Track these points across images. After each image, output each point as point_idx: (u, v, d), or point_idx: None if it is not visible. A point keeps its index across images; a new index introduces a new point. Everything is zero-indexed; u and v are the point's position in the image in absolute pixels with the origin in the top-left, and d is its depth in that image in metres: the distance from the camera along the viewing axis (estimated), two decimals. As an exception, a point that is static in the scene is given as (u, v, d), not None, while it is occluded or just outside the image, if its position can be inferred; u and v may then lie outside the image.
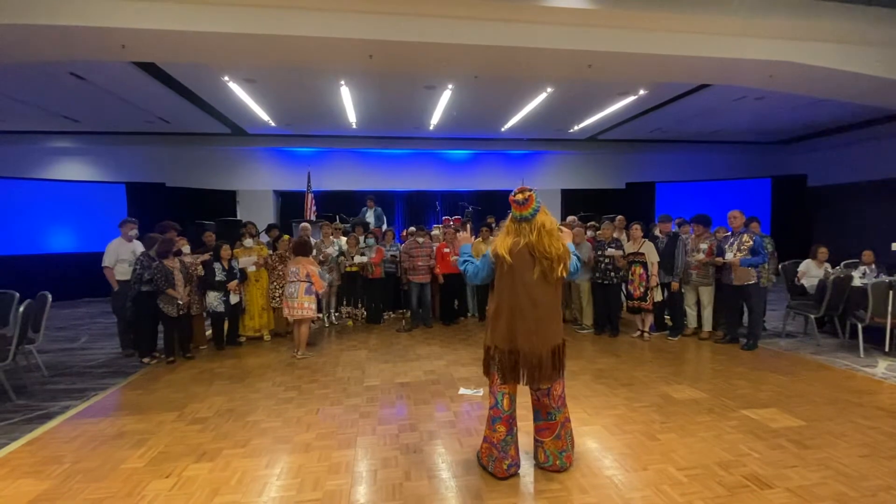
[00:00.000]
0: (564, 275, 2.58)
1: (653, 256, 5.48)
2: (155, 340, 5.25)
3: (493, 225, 7.48)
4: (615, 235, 6.02)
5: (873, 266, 5.85)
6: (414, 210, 12.34)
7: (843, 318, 5.43)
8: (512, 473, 2.67)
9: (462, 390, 4.06)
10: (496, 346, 2.62)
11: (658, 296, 5.59)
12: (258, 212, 10.79)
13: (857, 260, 6.17)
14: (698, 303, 5.68)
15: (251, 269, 5.74)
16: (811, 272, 5.91)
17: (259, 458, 2.97)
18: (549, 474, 2.71)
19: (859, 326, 4.98)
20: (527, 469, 2.78)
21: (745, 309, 5.38)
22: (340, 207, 10.46)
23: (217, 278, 5.31)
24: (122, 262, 5.25)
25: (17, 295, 4.85)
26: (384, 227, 8.54)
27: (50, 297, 4.71)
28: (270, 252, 6.13)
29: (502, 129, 10.57)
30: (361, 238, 6.87)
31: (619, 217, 6.64)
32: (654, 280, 5.48)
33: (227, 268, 5.41)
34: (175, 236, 5.40)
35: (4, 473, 2.84)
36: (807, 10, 5.41)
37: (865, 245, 6.28)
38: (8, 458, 3.04)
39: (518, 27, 5.14)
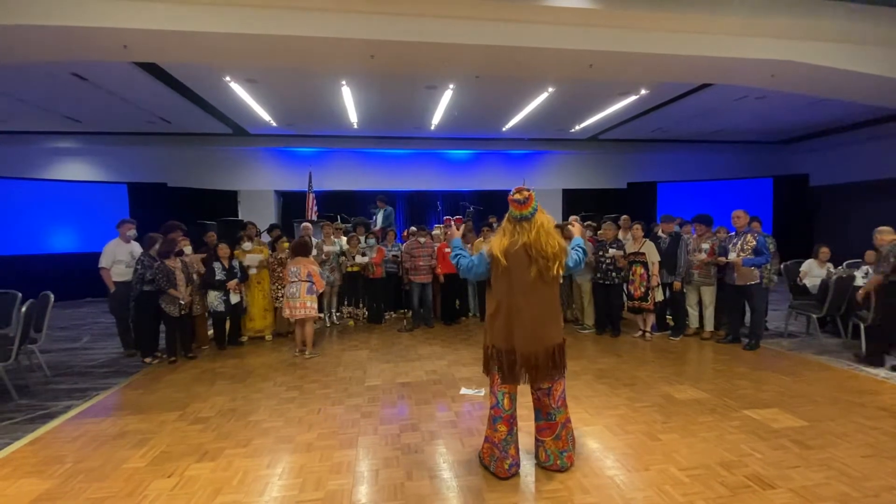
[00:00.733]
0: (560, 272, 2.59)
1: (653, 256, 5.47)
2: (157, 340, 5.25)
3: (495, 224, 7.47)
4: (620, 235, 6.01)
5: (875, 266, 5.83)
6: (415, 210, 12.34)
7: (846, 318, 5.42)
8: (513, 473, 2.67)
9: (463, 390, 4.06)
10: (495, 345, 2.63)
11: (659, 296, 5.58)
12: (259, 212, 10.80)
13: (860, 260, 6.15)
14: (700, 303, 5.67)
15: (253, 271, 5.74)
16: (813, 272, 5.90)
17: (261, 457, 2.97)
18: (550, 474, 2.71)
19: (861, 326, 4.96)
20: (528, 469, 2.78)
21: (748, 309, 5.36)
22: (342, 207, 10.46)
23: (217, 278, 5.32)
24: (118, 263, 5.25)
25: (20, 295, 4.86)
26: (392, 227, 8.54)
27: (52, 296, 4.72)
28: (270, 252, 6.13)
29: (503, 129, 10.57)
30: (362, 238, 6.88)
31: (624, 217, 6.62)
32: (655, 280, 5.47)
33: (226, 267, 5.41)
34: (180, 236, 5.41)
35: (7, 473, 2.84)
36: (808, 10, 5.40)
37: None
38: (10, 457, 3.05)
39: (519, 27, 5.14)
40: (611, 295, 5.81)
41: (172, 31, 4.68)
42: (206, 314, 5.58)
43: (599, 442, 3.10)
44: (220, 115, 9.05)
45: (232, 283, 5.39)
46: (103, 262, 5.25)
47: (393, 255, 6.82)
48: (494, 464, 2.67)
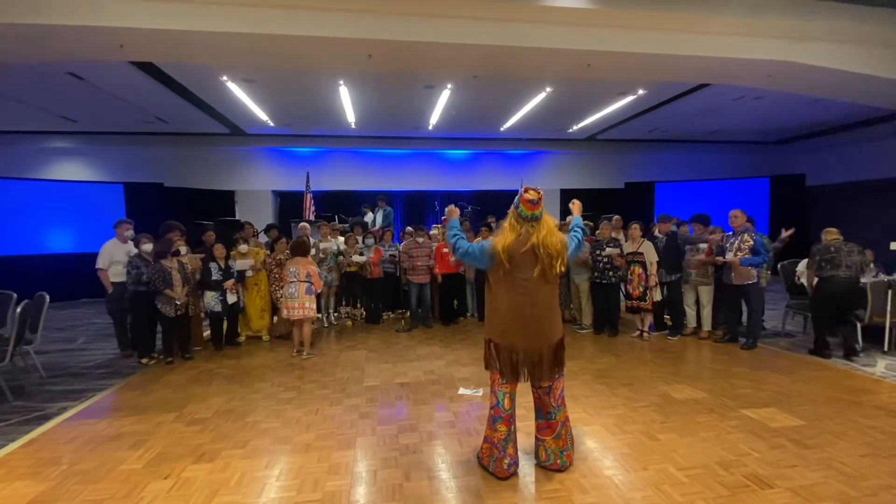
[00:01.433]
0: (562, 270, 2.60)
1: (652, 256, 5.48)
2: (153, 341, 5.23)
3: (493, 225, 7.46)
4: (613, 235, 6.01)
5: (872, 265, 5.86)
6: (413, 210, 12.32)
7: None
8: (511, 472, 2.67)
9: (462, 390, 4.05)
10: (495, 341, 2.63)
11: (657, 296, 5.59)
12: (257, 212, 10.76)
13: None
14: (698, 302, 5.68)
15: (249, 274, 5.72)
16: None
17: (258, 458, 2.95)
18: (549, 474, 2.70)
19: (858, 325, 4.98)
20: (527, 469, 2.77)
21: (745, 308, 5.37)
22: (339, 207, 10.44)
23: (213, 278, 5.30)
24: (116, 264, 5.22)
25: (15, 295, 4.82)
26: (391, 227, 8.52)
27: (48, 297, 4.69)
28: (268, 253, 6.11)
29: (501, 129, 10.57)
30: (360, 238, 6.86)
31: (616, 217, 6.63)
32: (654, 280, 5.48)
33: (223, 267, 5.39)
34: (179, 237, 5.38)
35: (2, 475, 2.82)
36: (805, 10, 5.41)
37: (864, 244, 6.27)
38: (5, 459, 3.03)
39: (517, 27, 5.13)
40: (608, 294, 5.81)
41: (169, 30, 4.65)
42: (203, 314, 5.55)
43: (598, 442, 3.10)
44: (217, 115, 9.01)
45: (229, 283, 5.37)
46: (100, 262, 5.22)
47: (390, 255, 6.81)
48: (493, 464, 2.66)
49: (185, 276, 5.09)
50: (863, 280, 5.29)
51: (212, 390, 4.20)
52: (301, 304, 5.08)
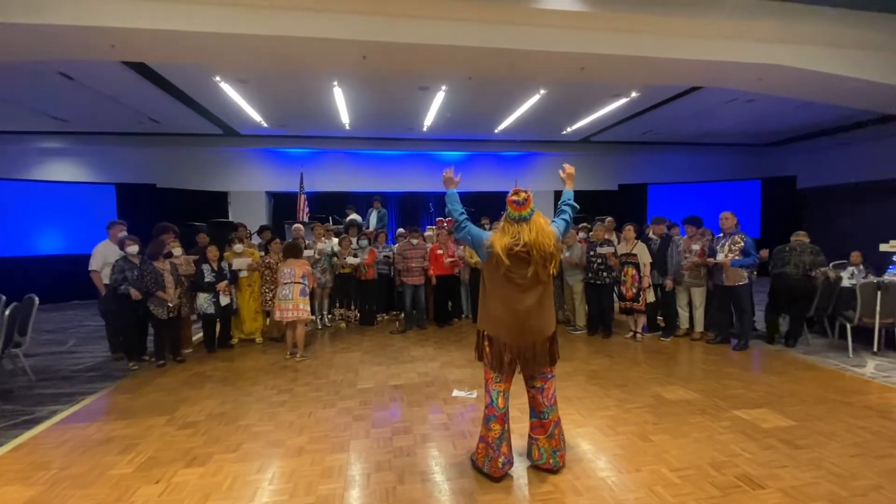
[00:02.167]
0: (555, 272, 2.63)
1: (645, 258, 5.51)
2: (143, 344, 5.18)
3: (487, 227, 7.47)
4: (606, 237, 6.05)
5: (861, 267, 5.93)
6: (407, 211, 12.31)
7: (833, 318, 5.49)
8: (506, 471, 2.68)
9: (456, 392, 4.05)
10: (488, 333, 2.65)
11: (651, 297, 5.62)
12: (250, 213, 10.70)
13: (846, 261, 6.25)
14: (690, 303, 5.72)
15: (243, 274, 5.69)
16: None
17: (251, 462, 2.93)
18: (542, 476, 2.71)
19: (848, 327, 5.03)
20: (521, 471, 2.77)
21: (735, 310, 5.41)
22: (333, 209, 10.40)
23: (206, 279, 5.26)
24: (109, 266, 5.15)
25: (4, 297, 4.77)
26: (385, 228, 8.50)
27: (37, 299, 4.64)
28: (262, 254, 6.08)
29: (496, 131, 10.59)
30: (354, 240, 6.84)
31: (609, 219, 6.66)
32: (647, 281, 5.51)
33: (216, 269, 5.36)
34: (173, 239, 5.34)
35: (-11, 480, 2.78)
36: (796, 14, 5.47)
37: (854, 246, 6.35)
38: (-7, 464, 2.99)
39: (511, 29, 5.15)
40: (602, 295, 5.84)
41: (161, 30, 4.62)
42: (196, 316, 5.51)
43: (591, 443, 3.11)
44: (210, 116, 8.96)
45: (221, 285, 5.34)
46: (93, 264, 5.17)
47: (384, 256, 6.80)
48: (489, 463, 2.66)
49: (178, 278, 5.05)
50: (852, 282, 5.37)
51: (204, 393, 4.17)
52: (295, 305, 5.05)
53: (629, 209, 11.25)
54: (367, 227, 8.45)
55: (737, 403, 3.71)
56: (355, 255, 6.55)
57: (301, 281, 5.11)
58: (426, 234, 7.43)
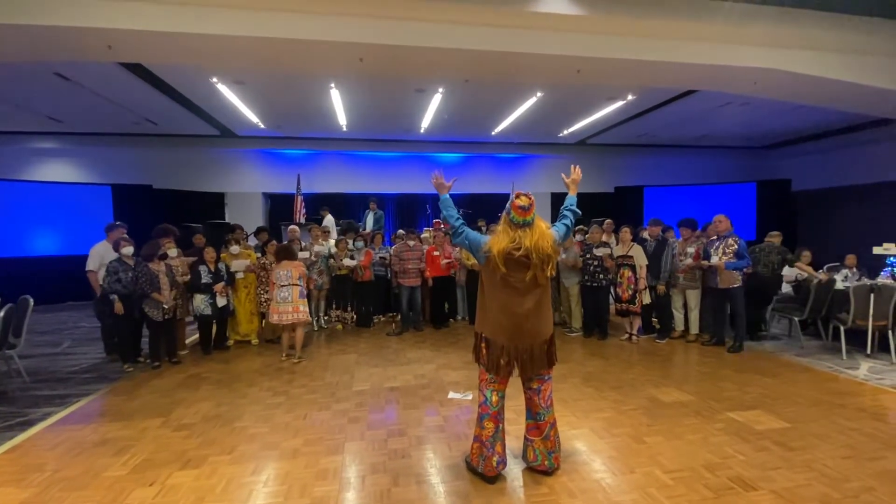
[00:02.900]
0: (553, 273, 2.65)
1: (641, 260, 5.53)
2: (138, 346, 5.17)
3: (484, 229, 7.49)
4: (604, 239, 6.07)
5: (855, 269, 5.97)
6: (404, 213, 12.32)
7: (827, 320, 5.53)
8: (500, 470, 2.69)
9: (451, 394, 4.06)
10: (485, 336, 2.66)
11: (647, 299, 5.64)
12: (247, 214, 10.68)
13: (840, 263, 6.29)
14: (685, 306, 5.75)
15: (240, 276, 5.68)
16: (787, 275, 6.01)
17: (245, 464, 2.93)
18: (537, 478, 2.72)
19: (842, 329, 5.07)
20: (515, 473, 2.78)
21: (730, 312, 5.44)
22: (331, 210, 10.40)
23: (203, 281, 5.25)
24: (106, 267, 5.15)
25: (-2, 299, 4.75)
26: (382, 230, 8.51)
27: (32, 300, 4.62)
28: (259, 256, 6.07)
29: (493, 133, 10.61)
30: (350, 241, 6.85)
31: (608, 221, 6.69)
32: (643, 283, 5.53)
33: (213, 270, 5.35)
34: (171, 241, 5.33)
35: (-18, 483, 2.77)
36: (790, 19, 5.52)
37: (848, 248, 6.41)
38: (-14, 466, 2.97)
39: (508, 32, 5.17)
40: (598, 297, 5.86)
41: (158, 31, 4.62)
42: (193, 317, 5.49)
43: (586, 445, 3.12)
44: (207, 117, 8.95)
45: (219, 287, 5.33)
46: (91, 265, 5.16)
47: (381, 258, 6.80)
48: (483, 462, 2.67)
49: (173, 280, 5.03)
50: (845, 284, 5.41)
51: (199, 395, 4.16)
52: (295, 307, 5.04)
53: (625, 211, 11.28)
54: (364, 229, 8.45)
55: (731, 405, 3.73)
56: (352, 257, 6.55)
57: (299, 283, 5.11)
58: (423, 235, 7.44)
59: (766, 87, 6.38)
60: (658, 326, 5.92)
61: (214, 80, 6.78)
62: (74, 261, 8.61)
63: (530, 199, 2.59)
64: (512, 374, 2.68)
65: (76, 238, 9.09)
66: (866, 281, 5.33)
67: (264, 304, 5.73)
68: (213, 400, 4.03)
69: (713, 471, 2.76)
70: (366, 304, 6.86)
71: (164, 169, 10.67)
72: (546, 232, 2.62)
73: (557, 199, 12.35)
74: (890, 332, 4.89)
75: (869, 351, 5.02)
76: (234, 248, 5.80)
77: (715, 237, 5.39)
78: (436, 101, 8.02)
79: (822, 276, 5.66)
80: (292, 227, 6.88)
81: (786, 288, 5.95)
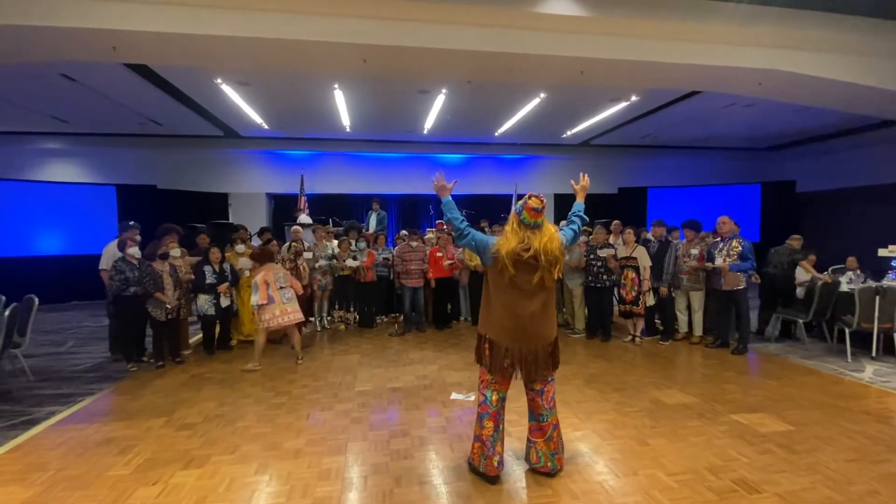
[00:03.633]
0: (560, 276, 2.65)
1: (645, 261, 5.52)
2: (142, 346, 5.19)
3: (486, 229, 7.48)
4: (612, 240, 6.05)
5: (859, 271, 5.93)
6: (407, 214, 12.33)
7: (832, 322, 5.50)
8: (500, 471, 2.69)
9: (454, 395, 4.05)
10: (489, 337, 2.65)
11: (650, 300, 5.62)
12: (251, 214, 10.71)
13: (845, 265, 6.25)
14: (689, 307, 5.72)
15: (245, 274, 5.70)
16: (800, 277, 5.98)
17: (248, 464, 2.94)
18: (539, 479, 2.71)
19: (847, 331, 5.04)
20: (518, 474, 2.78)
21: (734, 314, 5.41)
22: (333, 211, 10.42)
23: (207, 281, 5.27)
24: None
25: (3, 298, 4.78)
26: (385, 231, 8.50)
27: (37, 300, 4.65)
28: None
29: (496, 134, 10.60)
30: (353, 242, 6.85)
31: (616, 222, 6.67)
32: (647, 284, 5.51)
33: (217, 270, 5.37)
34: (175, 241, 5.35)
35: (-13, 481, 2.79)
36: (795, 20, 5.49)
37: (853, 250, 6.37)
38: (-9, 465, 2.99)
39: (511, 33, 5.17)
40: (602, 299, 5.84)
41: (163, 32, 4.64)
42: (197, 317, 5.51)
43: (589, 447, 3.11)
44: (211, 118, 8.98)
45: (223, 287, 5.34)
46: (104, 263, 5.19)
47: (384, 259, 6.81)
48: (484, 462, 2.67)
49: (177, 280, 5.05)
50: (850, 286, 5.37)
51: (202, 395, 4.17)
52: (294, 308, 5.03)
53: (629, 213, 11.24)
54: (367, 230, 8.46)
55: (735, 408, 3.71)
56: (354, 258, 6.56)
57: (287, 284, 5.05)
58: (426, 236, 7.44)
59: (771, 89, 6.35)
60: (661, 328, 5.90)
61: (219, 80, 6.81)
62: (79, 261, 8.70)
63: (542, 201, 2.60)
64: (514, 377, 2.67)
65: (81, 238, 9.14)
66: (871, 283, 5.30)
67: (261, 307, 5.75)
68: (216, 400, 4.04)
69: (717, 473, 2.74)
70: (368, 304, 6.87)
71: (169, 169, 10.72)
72: (554, 234, 2.63)
73: (561, 201, 12.35)
74: (895, 335, 4.86)
75: (874, 353, 4.99)
76: (240, 247, 5.83)
77: (719, 239, 5.37)
78: (439, 101, 8.02)
79: (825, 277, 5.65)
80: (295, 227, 6.89)
81: (799, 291, 5.89)
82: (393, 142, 11.39)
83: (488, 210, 10.14)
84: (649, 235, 6.03)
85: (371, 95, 7.79)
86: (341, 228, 8.02)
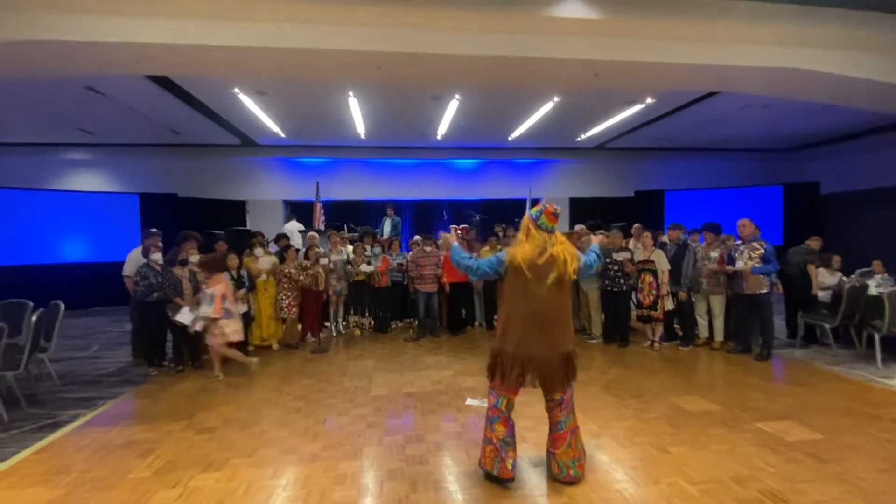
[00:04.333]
0: (574, 276, 2.67)
1: (663, 265, 5.42)
2: (163, 350, 5.28)
3: (501, 234, 7.46)
4: (632, 243, 5.96)
5: (886, 275, 5.74)
6: (421, 219, 12.36)
7: (860, 327, 5.31)
8: (514, 474, 2.66)
9: (469, 400, 4.03)
10: (506, 351, 2.63)
11: (669, 304, 5.52)
12: (268, 221, 10.87)
13: (871, 268, 6.07)
14: (709, 312, 5.60)
15: (263, 277, 5.78)
16: (825, 281, 5.80)
17: (265, 468, 2.96)
18: (558, 487, 2.67)
19: (876, 336, 4.86)
20: (535, 481, 2.74)
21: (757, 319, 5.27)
22: (348, 217, 10.51)
23: (226, 287, 5.34)
24: None
25: (31, 304, 4.92)
26: (399, 236, 8.55)
27: (63, 306, 4.77)
28: (280, 262, 6.16)
29: (510, 139, 10.59)
30: (368, 247, 6.89)
31: (636, 225, 6.58)
32: (665, 289, 5.41)
33: (234, 277, 5.44)
34: (194, 247, 5.45)
35: (14, 482, 2.86)
36: (811, 17, 5.38)
37: (879, 252, 6.18)
38: (18, 466, 3.07)
39: (524, 38, 5.17)
40: (619, 303, 5.75)
41: (184, 45, 4.77)
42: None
43: (608, 454, 3.05)
44: (229, 127, 9.17)
45: (240, 293, 5.41)
46: (127, 269, 5.33)
47: (398, 264, 6.83)
48: (498, 465, 2.64)
49: (196, 285, 5.13)
50: (879, 290, 5.20)
51: (220, 399, 4.23)
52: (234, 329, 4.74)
53: (646, 216, 11.06)
54: (381, 235, 8.50)
55: (759, 415, 3.61)
56: (369, 263, 6.59)
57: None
58: (440, 241, 7.44)
59: (789, 88, 6.22)
60: (681, 333, 5.78)
61: (236, 90, 6.95)
62: (103, 268, 8.91)
63: (559, 209, 2.75)
64: (524, 386, 2.63)
65: (105, 245, 9.38)
66: (901, 286, 5.12)
67: (284, 309, 5.82)
68: (234, 404, 4.09)
69: (742, 483, 2.66)
70: (383, 309, 6.89)
71: (188, 177, 10.96)
72: (566, 241, 2.71)
73: (575, 204, 12.26)
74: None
75: (906, 360, 4.81)
76: (258, 251, 5.94)
77: (740, 241, 5.25)
78: (452, 107, 8.05)
79: (818, 282, 5.65)
80: (311, 233, 6.97)
81: (824, 295, 5.72)
82: (407, 148, 11.46)
83: (502, 215, 10.12)
84: (665, 238, 5.93)
85: (385, 102, 7.86)
86: (356, 234, 8.08)
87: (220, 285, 4.68)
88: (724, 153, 12.32)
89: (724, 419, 3.55)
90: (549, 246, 2.61)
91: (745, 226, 5.18)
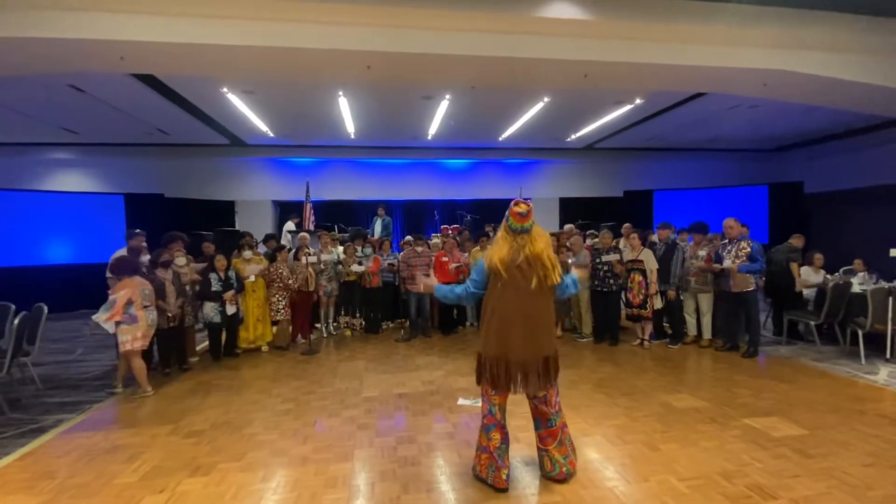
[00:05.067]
0: (558, 281, 2.62)
1: (652, 264, 5.47)
2: (149, 353, 5.18)
3: (491, 234, 7.46)
4: (622, 243, 6.00)
5: (867, 273, 5.86)
6: (412, 219, 12.35)
7: (844, 324, 5.41)
8: (508, 484, 2.64)
9: (461, 401, 4.02)
10: (488, 353, 2.61)
11: (658, 303, 5.57)
12: (257, 222, 10.79)
13: (853, 266, 6.18)
14: (697, 310, 5.66)
15: (251, 279, 5.72)
16: (810, 279, 5.90)
17: (255, 471, 2.92)
18: (549, 486, 2.67)
19: (860, 333, 4.95)
20: (527, 480, 2.74)
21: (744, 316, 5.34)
22: (339, 217, 10.46)
23: (213, 289, 5.28)
24: None
25: (13, 307, 4.80)
26: (390, 236, 8.52)
27: (46, 308, 4.68)
28: (270, 263, 6.10)
29: (500, 139, 10.63)
30: (359, 248, 6.86)
31: (626, 225, 6.62)
32: (654, 288, 5.46)
33: (223, 278, 5.38)
34: (181, 248, 5.37)
35: (-5, 489, 2.79)
36: (798, 19, 5.47)
37: (863, 251, 6.30)
38: (0, 472, 2.99)
39: (514, 38, 5.19)
40: (609, 303, 5.79)
41: (169, 42, 4.70)
42: (202, 325, 5.52)
43: (598, 452, 3.06)
44: (217, 126, 9.07)
45: (228, 294, 5.35)
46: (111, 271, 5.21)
47: (389, 264, 6.81)
48: (493, 474, 2.63)
49: (180, 287, 5.05)
50: (862, 287, 5.29)
51: (208, 402, 4.17)
52: (150, 334, 4.54)
53: (635, 216, 11.17)
54: (372, 235, 8.47)
55: (747, 412, 3.65)
56: (360, 263, 6.56)
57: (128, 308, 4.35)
58: (431, 241, 7.43)
59: (776, 89, 6.33)
60: (670, 331, 5.83)
61: (224, 89, 6.88)
62: (87, 269, 8.76)
63: (528, 206, 2.63)
64: (514, 388, 2.59)
65: (89, 247, 9.21)
66: (884, 284, 5.22)
67: (283, 311, 5.80)
68: (223, 407, 4.04)
69: (730, 479, 2.69)
70: (374, 310, 6.85)
71: (176, 178, 10.83)
72: (547, 241, 2.64)
73: (565, 204, 12.35)
74: (910, 337, 4.78)
75: (888, 355, 4.91)
76: (247, 254, 5.86)
77: (727, 240, 5.32)
78: (443, 107, 8.05)
79: (803, 280, 5.78)
80: (302, 234, 6.91)
81: (808, 293, 5.82)
82: (397, 148, 11.44)
83: (493, 215, 10.14)
84: (655, 238, 5.98)
85: (375, 102, 7.84)
86: (347, 234, 8.04)
87: (125, 290, 4.30)
88: (711, 153, 12.49)
89: (713, 416, 3.59)
90: (525, 245, 2.55)
91: (732, 227, 5.25)
